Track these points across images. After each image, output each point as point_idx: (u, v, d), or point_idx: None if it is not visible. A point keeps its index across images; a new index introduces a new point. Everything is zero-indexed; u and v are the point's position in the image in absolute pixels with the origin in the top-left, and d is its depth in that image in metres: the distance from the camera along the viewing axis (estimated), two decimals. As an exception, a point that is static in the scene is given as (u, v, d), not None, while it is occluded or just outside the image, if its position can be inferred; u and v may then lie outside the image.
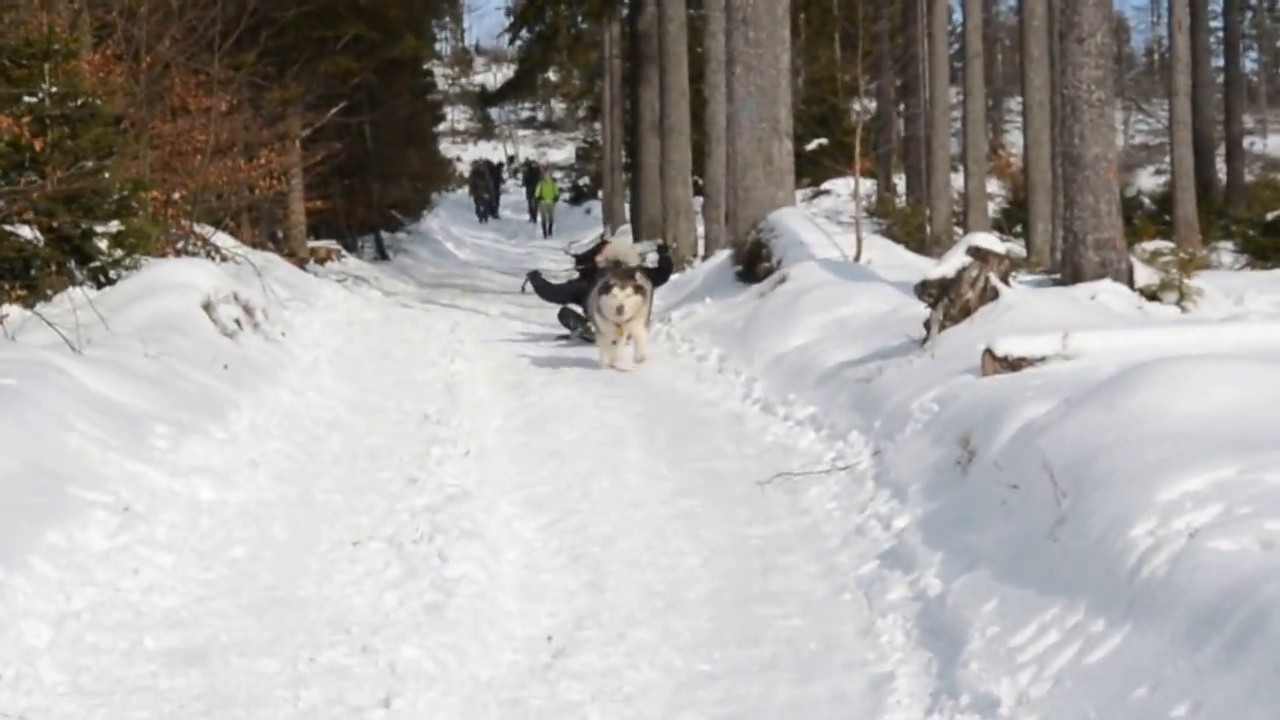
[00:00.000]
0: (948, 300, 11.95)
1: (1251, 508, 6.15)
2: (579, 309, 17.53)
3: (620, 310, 14.83)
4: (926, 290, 12.12)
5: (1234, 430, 6.96)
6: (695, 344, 16.43)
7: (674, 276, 23.11)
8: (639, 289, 14.93)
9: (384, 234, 31.29)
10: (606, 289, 14.90)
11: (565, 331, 18.48)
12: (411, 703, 6.18)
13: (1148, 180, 42.92)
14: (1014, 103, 44.19)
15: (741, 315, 16.61)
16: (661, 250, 19.88)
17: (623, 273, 15.30)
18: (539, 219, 45.52)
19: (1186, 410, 7.28)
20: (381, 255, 30.69)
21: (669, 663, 6.91)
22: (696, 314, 18.15)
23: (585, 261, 18.72)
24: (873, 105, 40.11)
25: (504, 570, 8.28)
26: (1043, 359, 10.22)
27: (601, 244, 19.19)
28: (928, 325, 12.09)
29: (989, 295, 11.95)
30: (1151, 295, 14.00)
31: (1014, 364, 10.24)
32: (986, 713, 5.96)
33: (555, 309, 18.94)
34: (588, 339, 16.88)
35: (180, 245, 17.62)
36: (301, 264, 22.75)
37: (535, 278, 18.78)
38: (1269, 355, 8.82)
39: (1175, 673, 5.48)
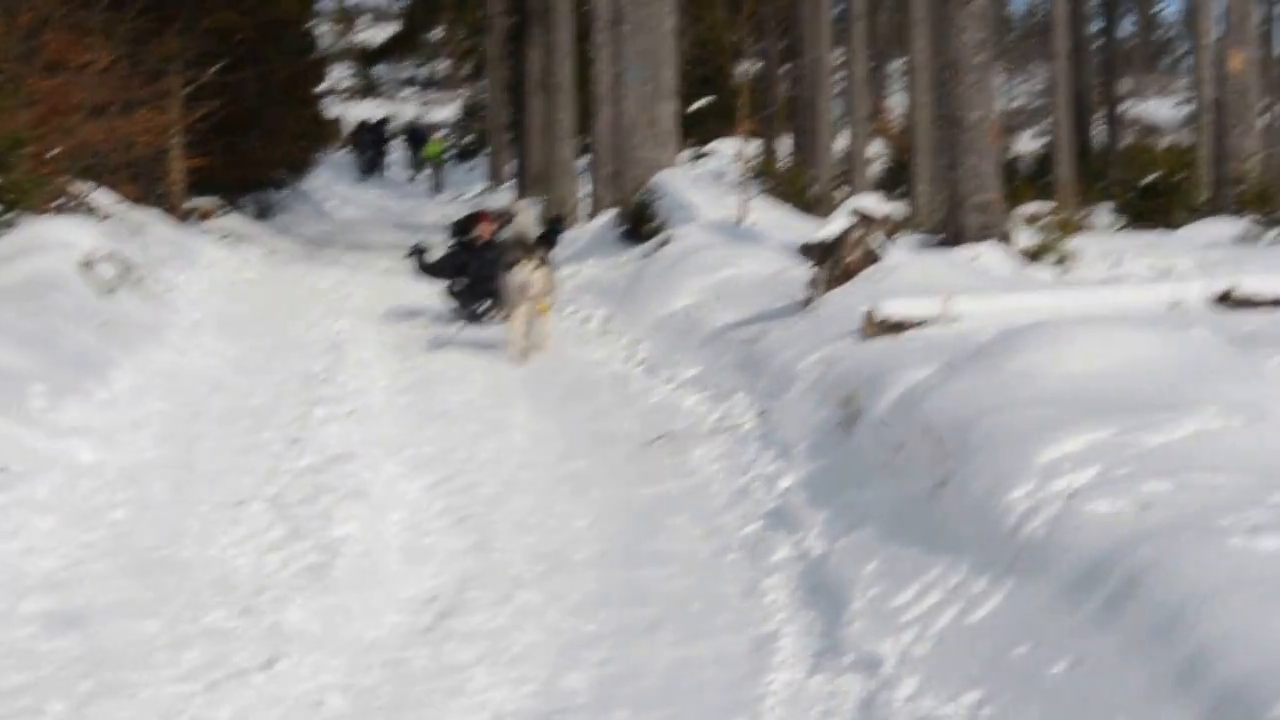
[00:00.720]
0: (831, 262, 12.03)
1: (1128, 469, 6.26)
2: (462, 283, 16.35)
3: (527, 288, 13.56)
4: (810, 252, 12.20)
5: (1112, 392, 7.07)
6: (580, 305, 16.42)
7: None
8: (542, 261, 13.87)
9: (266, 192, 30.92)
10: (510, 266, 13.71)
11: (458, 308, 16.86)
12: (295, 664, 6.14)
13: (1028, 143, 43.37)
14: (897, 65, 44.51)
15: (626, 276, 16.62)
16: (553, 224, 17.54)
17: (526, 247, 14.02)
18: (429, 180, 44.89)
19: (1066, 373, 7.39)
20: (264, 214, 30.30)
21: (555, 624, 6.92)
22: (581, 274, 18.12)
23: (462, 231, 17.01)
24: (757, 67, 40.20)
25: (389, 531, 8.24)
26: (924, 322, 10.33)
27: (480, 214, 17.25)
28: (812, 287, 12.16)
29: (872, 257, 12.05)
30: (1032, 257, 14.18)
31: (895, 327, 10.34)
32: (869, 672, 6.03)
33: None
34: (474, 320, 15.90)
35: (58, 203, 17.27)
36: (182, 221, 22.40)
37: (416, 254, 16.92)
38: (1146, 318, 9.00)
39: (1055, 631, 5.57)
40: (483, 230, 16.53)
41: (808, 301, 12.04)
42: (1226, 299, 10.58)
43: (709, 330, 12.69)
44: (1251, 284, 10.60)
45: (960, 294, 10.52)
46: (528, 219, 14.39)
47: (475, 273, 15.97)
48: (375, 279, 20.17)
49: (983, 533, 6.44)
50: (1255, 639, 4.77)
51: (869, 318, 10.38)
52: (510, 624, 6.85)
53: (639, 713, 5.89)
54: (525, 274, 13.51)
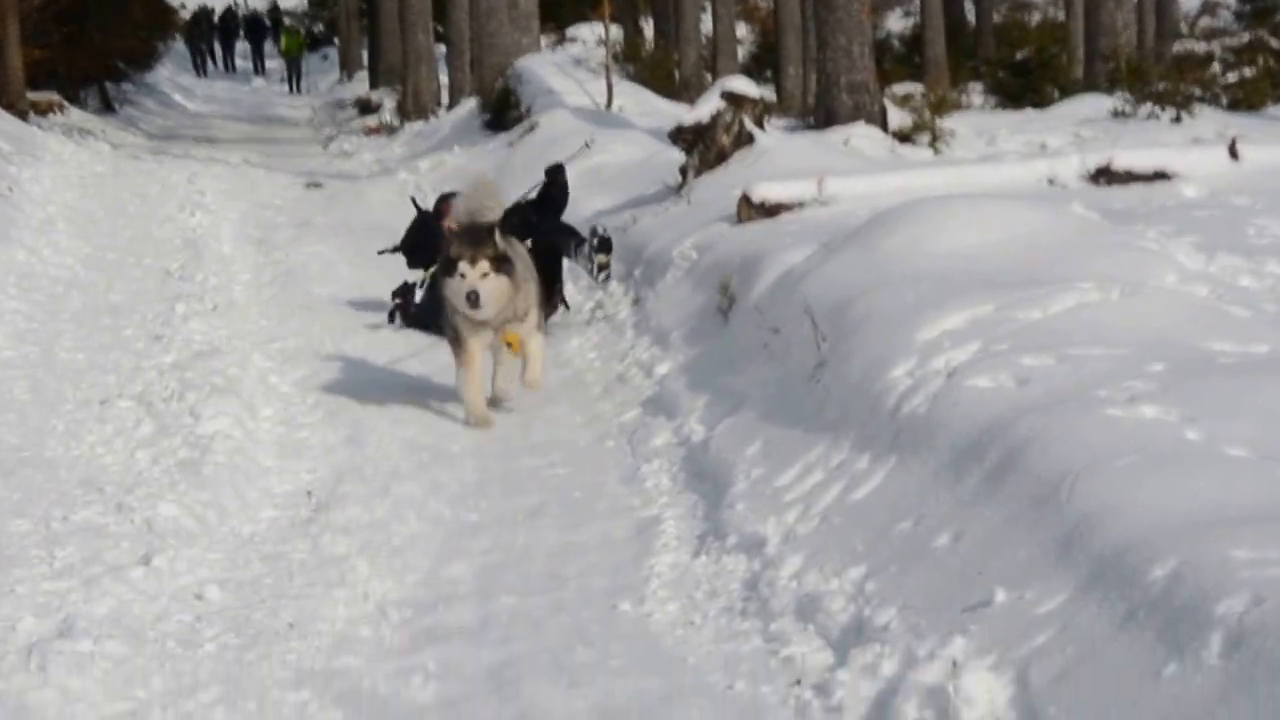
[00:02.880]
0: (702, 146, 11.95)
1: (1007, 344, 6.29)
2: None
3: (474, 300, 8.10)
4: (681, 136, 12.11)
5: (990, 269, 7.10)
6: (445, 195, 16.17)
7: (417, 126, 22.47)
8: (499, 260, 8.16)
9: (109, 85, 30.09)
10: (449, 268, 8.25)
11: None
12: (171, 559, 6.02)
13: (897, 22, 43.26)
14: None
15: (492, 165, 16.39)
16: (553, 175, 11.39)
17: (472, 237, 8.22)
18: (287, 74, 43.25)
19: (943, 251, 7.41)
20: (107, 107, 29.49)
21: (436, 514, 6.85)
22: (445, 164, 17.89)
23: (429, 235, 11.06)
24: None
25: (260, 426, 8.10)
26: (799, 204, 10.30)
27: (445, 199, 11.47)
28: (683, 171, 12.09)
29: (743, 140, 11.98)
30: (904, 138, 14.16)
31: (770, 210, 10.31)
32: (753, 552, 6.03)
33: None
34: None
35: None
36: (22, 116, 21.69)
37: (401, 303, 10.95)
38: (1021, 194, 9.04)
39: (937, 505, 5.61)
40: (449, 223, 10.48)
41: (680, 186, 11.96)
42: (1102, 175, 10.67)
43: (581, 217, 12.55)
44: (1126, 159, 10.69)
45: (834, 176, 10.50)
46: (481, 193, 8.51)
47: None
48: (229, 173, 19.72)
49: (864, 412, 6.45)
50: (1134, 506, 4.82)
51: (743, 201, 10.34)
52: (390, 515, 6.76)
53: (524, 598, 5.85)
54: (471, 279, 8.11)
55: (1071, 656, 4.44)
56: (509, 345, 8.49)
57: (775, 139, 12.33)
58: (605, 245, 11.00)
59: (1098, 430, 5.38)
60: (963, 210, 7.79)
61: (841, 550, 5.72)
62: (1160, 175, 10.55)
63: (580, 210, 12.88)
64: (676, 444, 7.54)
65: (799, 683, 4.95)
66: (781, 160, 11.48)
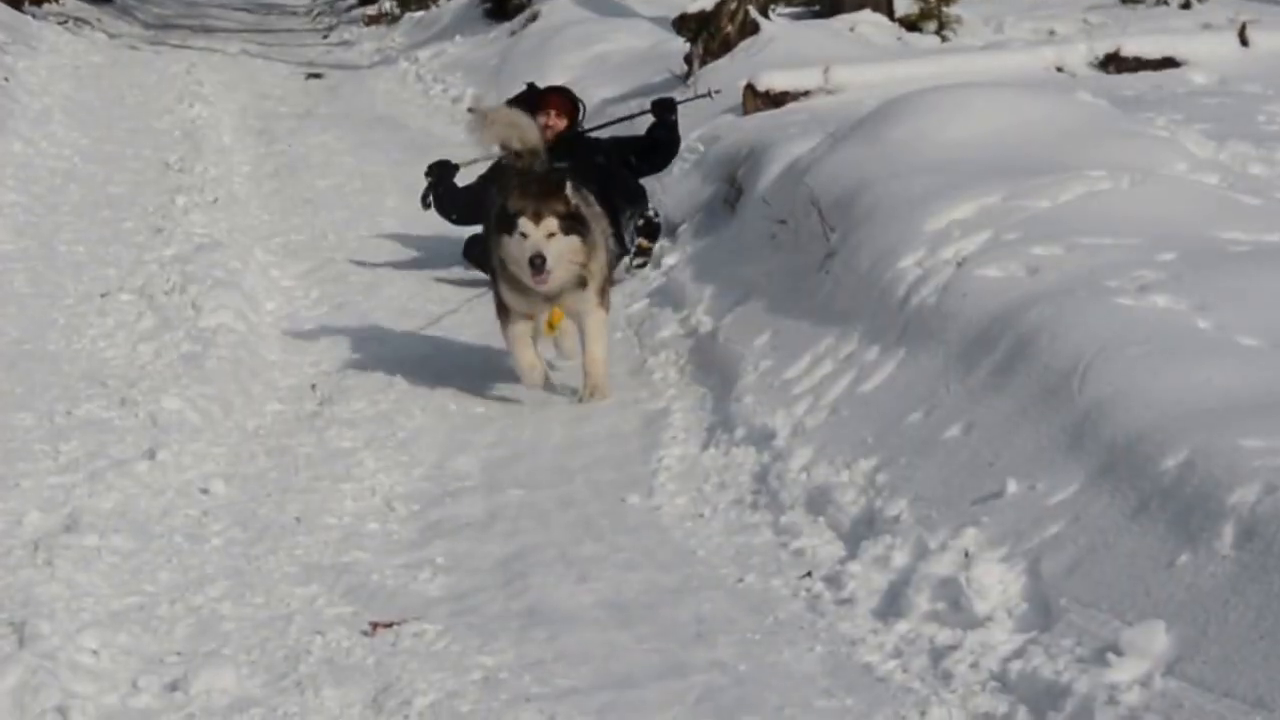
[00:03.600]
0: (707, 34, 11.79)
1: (1018, 234, 6.23)
2: None
3: (539, 265, 6.64)
4: (685, 25, 11.96)
5: (998, 158, 7.01)
6: (449, 84, 15.98)
7: (418, 14, 22.11)
8: (571, 219, 6.77)
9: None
10: (508, 222, 6.76)
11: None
12: (176, 454, 6.00)
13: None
14: None
15: (495, 53, 16.19)
16: (663, 112, 9.34)
17: (538, 187, 6.82)
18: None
19: (951, 140, 7.30)
20: (104, -4, 29.18)
21: (442, 407, 6.84)
22: (447, 53, 17.64)
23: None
24: None
25: (264, 320, 8.07)
26: (805, 94, 10.19)
27: (545, 93, 9.59)
28: (688, 60, 11.94)
29: (749, 29, 11.81)
30: (911, 25, 13.91)
31: (776, 99, 10.19)
32: (762, 444, 6.01)
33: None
34: None
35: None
36: (16, 6, 21.41)
37: (440, 180, 9.26)
38: (1029, 82, 8.93)
39: (948, 396, 5.57)
40: (550, 123, 8.94)
41: (686, 75, 11.81)
42: (1110, 62, 10.53)
43: (588, 106, 12.42)
44: (1135, 46, 10.55)
45: (841, 64, 10.37)
46: (520, 122, 7.15)
47: None
48: (228, 63, 19.45)
49: (873, 303, 6.39)
50: (1145, 395, 4.80)
51: (749, 90, 10.21)
52: (395, 409, 6.74)
53: (531, 491, 5.85)
54: (534, 243, 6.67)
55: (1083, 547, 4.43)
56: (549, 325, 7.06)
57: (781, 27, 12.14)
58: (653, 230, 9.05)
59: (1108, 320, 5.34)
60: (970, 99, 7.67)
61: (851, 442, 5.70)
62: (1169, 62, 10.41)
63: (586, 99, 12.73)
64: (684, 335, 7.49)
65: (810, 575, 4.94)
66: (787, 49, 11.31)
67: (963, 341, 5.74)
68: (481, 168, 9.05)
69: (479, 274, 8.35)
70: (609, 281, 7.13)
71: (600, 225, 7.00)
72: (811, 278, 7.04)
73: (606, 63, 13.82)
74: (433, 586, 4.93)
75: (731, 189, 8.75)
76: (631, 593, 4.85)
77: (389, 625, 4.57)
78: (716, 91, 10.34)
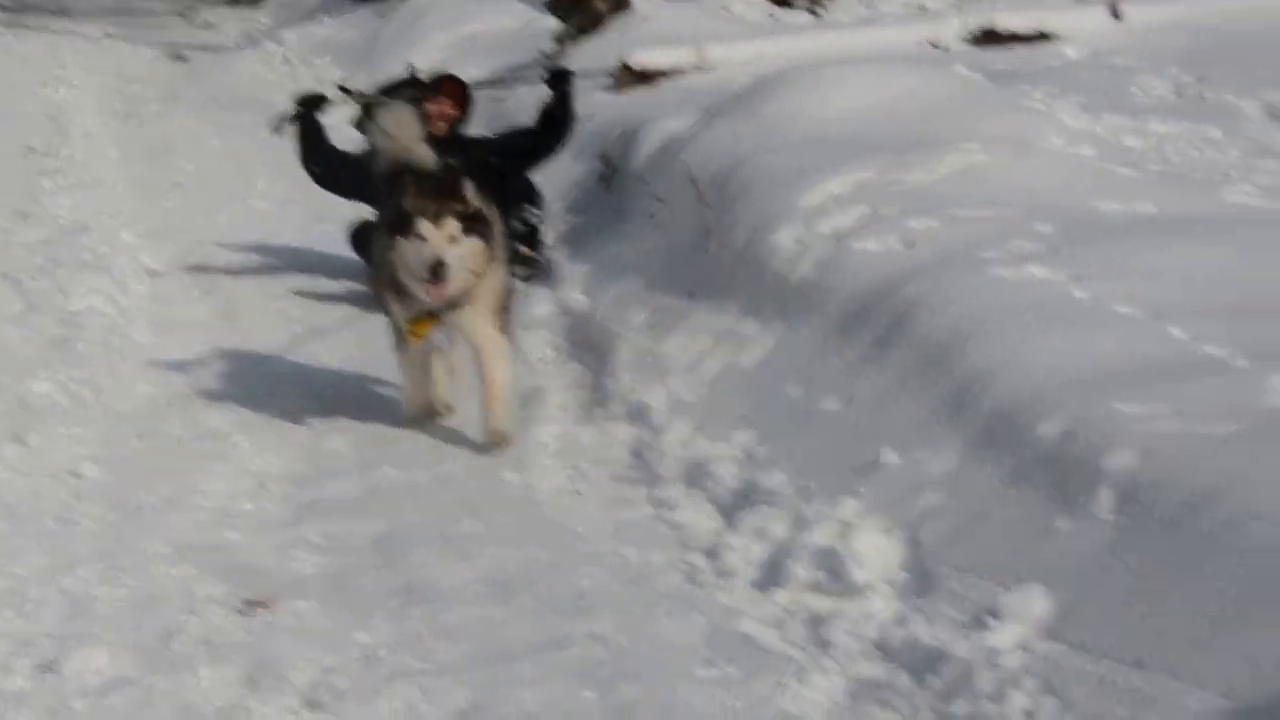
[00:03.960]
0: (579, 13, 11.75)
1: (894, 208, 6.25)
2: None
3: (438, 273, 5.84)
4: (557, 3, 11.90)
5: (875, 132, 7.03)
6: (316, 66, 15.78)
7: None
8: (473, 219, 5.98)
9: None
10: (401, 226, 5.93)
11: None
12: (47, 436, 5.88)
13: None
14: None
15: (363, 35, 15.98)
16: (560, 85, 8.55)
17: (436, 184, 6.06)
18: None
19: (827, 115, 7.31)
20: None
21: (314, 388, 6.74)
22: (315, 35, 17.39)
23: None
24: None
25: (133, 303, 7.91)
26: (679, 71, 10.17)
27: (431, 84, 8.70)
28: (559, 40, 11.89)
29: (620, 5, 11.77)
30: (783, 1, 13.91)
31: (650, 77, 10.17)
32: (638, 419, 6.00)
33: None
34: None
35: None
36: None
37: (305, 118, 8.57)
38: (901, 57, 8.96)
39: (826, 370, 5.58)
40: (439, 112, 8.27)
41: (557, 55, 11.75)
42: (983, 37, 10.60)
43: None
44: (1008, 20, 10.61)
45: (714, 42, 10.37)
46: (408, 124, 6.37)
47: None
48: (90, 46, 19.02)
49: (750, 278, 6.39)
50: (1022, 365, 4.83)
51: (623, 67, 10.18)
52: (267, 390, 6.63)
53: (407, 470, 5.78)
54: (433, 247, 5.85)
55: (962, 515, 4.45)
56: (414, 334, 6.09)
57: (653, 4, 12.09)
58: (533, 235, 8.18)
59: (987, 291, 5.37)
60: (846, 74, 7.69)
61: (729, 416, 5.70)
62: (1042, 36, 10.49)
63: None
64: (560, 313, 7.44)
65: (689, 548, 4.92)
66: (660, 26, 11.26)
67: (841, 315, 5.75)
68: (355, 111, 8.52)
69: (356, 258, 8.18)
70: (509, 298, 6.27)
71: (499, 227, 6.15)
72: (689, 254, 7.02)
73: (476, 43, 13.70)
74: (308, 565, 4.85)
75: (607, 167, 8.70)
76: (510, 568, 4.80)
77: (264, 604, 4.49)
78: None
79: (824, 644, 4.19)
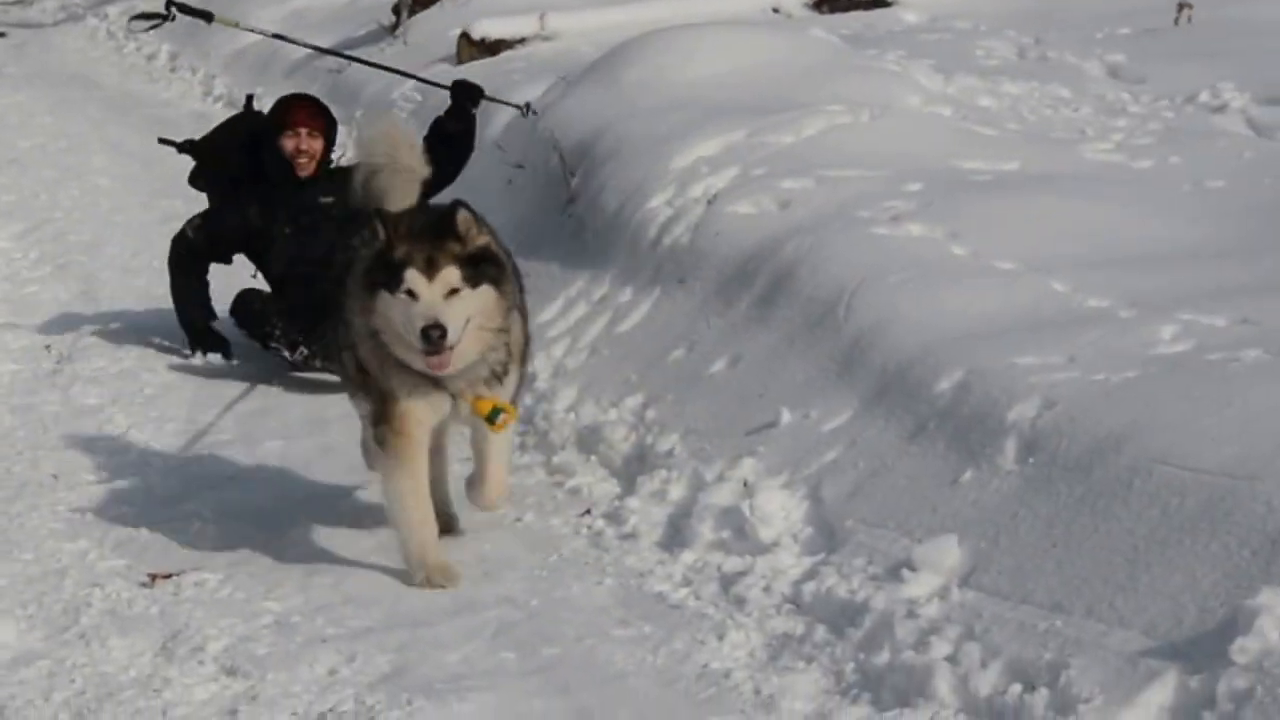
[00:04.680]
0: (418, -16, 11.65)
1: (765, 169, 6.30)
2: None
3: (436, 337, 4.27)
4: (397, -26, 11.78)
5: (739, 95, 7.07)
6: (141, 42, 15.40)
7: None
8: (478, 262, 4.43)
9: None
10: (390, 279, 4.36)
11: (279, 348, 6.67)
12: (-88, 418, 5.70)
13: None
14: None
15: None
16: (460, 97, 7.07)
17: (427, 225, 4.44)
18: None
19: (690, 79, 7.34)
20: None
21: (186, 363, 6.67)
22: (138, 8, 17.01)
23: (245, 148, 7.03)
24: None
25: (-14, 284, 7.71)
26: (522, 40, 10.15)
27: (296, 103, 7.07)
28: (397, 11, 11.78)
29: (461, -23, 11.69)
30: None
31: (492, 47, 10.13)
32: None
33: None
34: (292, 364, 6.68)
35: None
36: None
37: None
38: (749, 22, 9.00)
39: (709, 333, 5.61)
40: (303, 146, 6.86)
41: (395, 26, 11.65)
42: (823, 2, 10.71)
43: (292, 61, 12.12)
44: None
45: (555, 11, 10.35)
46: (389, 133, 4.86)
47: (291, 257, 6.75)
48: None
49: (624, 244, 6.40)
50: (910, 321, 4.92)
51: (464, 38, 10.13)
52: (138, 366, 6.54)
53: (290, 442, 5.75)
54: (428, 305, 4.34)
55: (863, 470, 4.51)
56: (484, 416, 4.52)
57: (493, -27, 12.03)
58: None
59: (867, 249, 5.45)
60: (705, 38, 7.72)
61: (615, 381, 5.70)
62: (880, 2, 10.64)
63: (290, 53, 12.39)
64: (422, 286, 7.33)
65: (589, 513, 4.93)
66: (498, -3, 11.21)
67: (720, 278, 5.79)
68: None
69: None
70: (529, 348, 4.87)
71: (513, 267, 4.72)
72: (556, 221, 7.00)
73: (307, 17, 13.52)
74: (205, 537, 4.79)
75: (458, 137, 8.61)
76: (409, 537, 4.74)
77: (168, 576, 4.43)
78: (531, 110, 7.74)
79: (738, 600, 4.22)
